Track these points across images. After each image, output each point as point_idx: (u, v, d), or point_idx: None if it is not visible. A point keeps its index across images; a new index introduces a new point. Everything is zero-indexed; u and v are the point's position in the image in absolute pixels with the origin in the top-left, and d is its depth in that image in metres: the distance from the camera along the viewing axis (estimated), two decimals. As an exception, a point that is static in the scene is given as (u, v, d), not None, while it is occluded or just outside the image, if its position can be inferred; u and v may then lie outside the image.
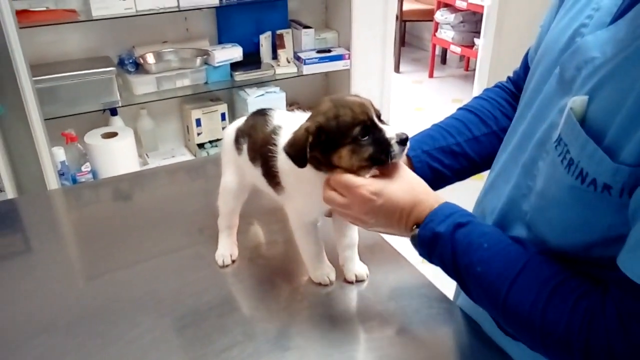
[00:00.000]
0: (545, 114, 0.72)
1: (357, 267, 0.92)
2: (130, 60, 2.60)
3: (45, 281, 0.96)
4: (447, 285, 0.92)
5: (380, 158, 0.76)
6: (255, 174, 0.90)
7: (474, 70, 4.11)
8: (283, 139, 0.82)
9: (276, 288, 0.92)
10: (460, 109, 1.00)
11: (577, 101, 0.62)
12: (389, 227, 0.79)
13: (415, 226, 0.76)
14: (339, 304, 0.89)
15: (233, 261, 0.98)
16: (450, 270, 0.73)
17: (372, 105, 0.78)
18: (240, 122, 0.95)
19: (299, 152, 0.76)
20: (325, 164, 0.78)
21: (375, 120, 0.76)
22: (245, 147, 0.91)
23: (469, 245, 0.71)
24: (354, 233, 0.91)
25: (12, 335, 0.83)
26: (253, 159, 0.89)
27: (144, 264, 0.99)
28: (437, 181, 0.92)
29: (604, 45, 0.64)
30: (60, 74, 2.36)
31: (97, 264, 1.01)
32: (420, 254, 0.77)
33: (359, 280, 0.92)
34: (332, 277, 0.92)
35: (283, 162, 0.82)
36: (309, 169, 0.79)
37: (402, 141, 0.76)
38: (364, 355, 0.79)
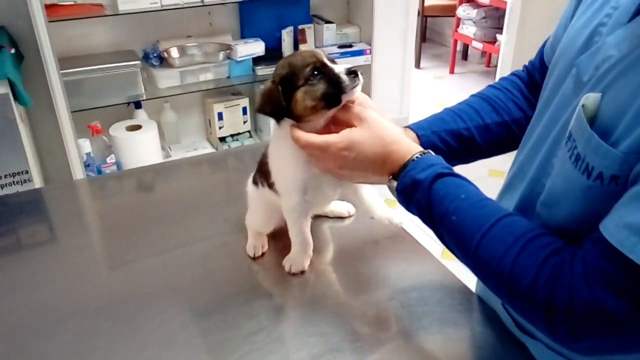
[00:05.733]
0: (561, 114, 0.72)
1: (387, 212, 0.93)
2: (155, 54, 2.64)
3: (73, 268, 0.98)
4: (469, 277, 0.92)
5: (332, 94, 0.78)
6: (267, 193, 0.93)
7: (496, 66, 4.07)
8: (272, 145, 0.89)
9: (302, 276, 0.93)
10: (473, 95, 1.00)
11: (590, 98, 0.62)
12: (366, 177, 0.82)
13: (391, 176, 0.78)
14: (362, 292, 0.90)
15: (263, 254, 0.98)
16: (426, 217, 0.74)
17: (324, 53, 0.81)
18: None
19: (276, 105, 0.80)
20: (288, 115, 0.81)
21: (325, 61, 0.79)
22: (259, 180, 0.96)
23: (446, 195, 0.72)
24: (368, 194, 0.93)
25: (43, 319, 0.85)
26: (261, 179, 0.94)
27: (169, 252, 1.01)
28: None
29: (621, 43, 0.64)
30: (87, 67, 2.41)
31: (122, 252, 1.03)
32: (399, 202, 0.78)
33: (394, 223, 0.92)
34: (301, 267, 0.93)
35: (270, 152, 0.89)
36: (284, 139, 0.82)
37: (351, 72, 0.77)
38: (386, 341, 0.79)
